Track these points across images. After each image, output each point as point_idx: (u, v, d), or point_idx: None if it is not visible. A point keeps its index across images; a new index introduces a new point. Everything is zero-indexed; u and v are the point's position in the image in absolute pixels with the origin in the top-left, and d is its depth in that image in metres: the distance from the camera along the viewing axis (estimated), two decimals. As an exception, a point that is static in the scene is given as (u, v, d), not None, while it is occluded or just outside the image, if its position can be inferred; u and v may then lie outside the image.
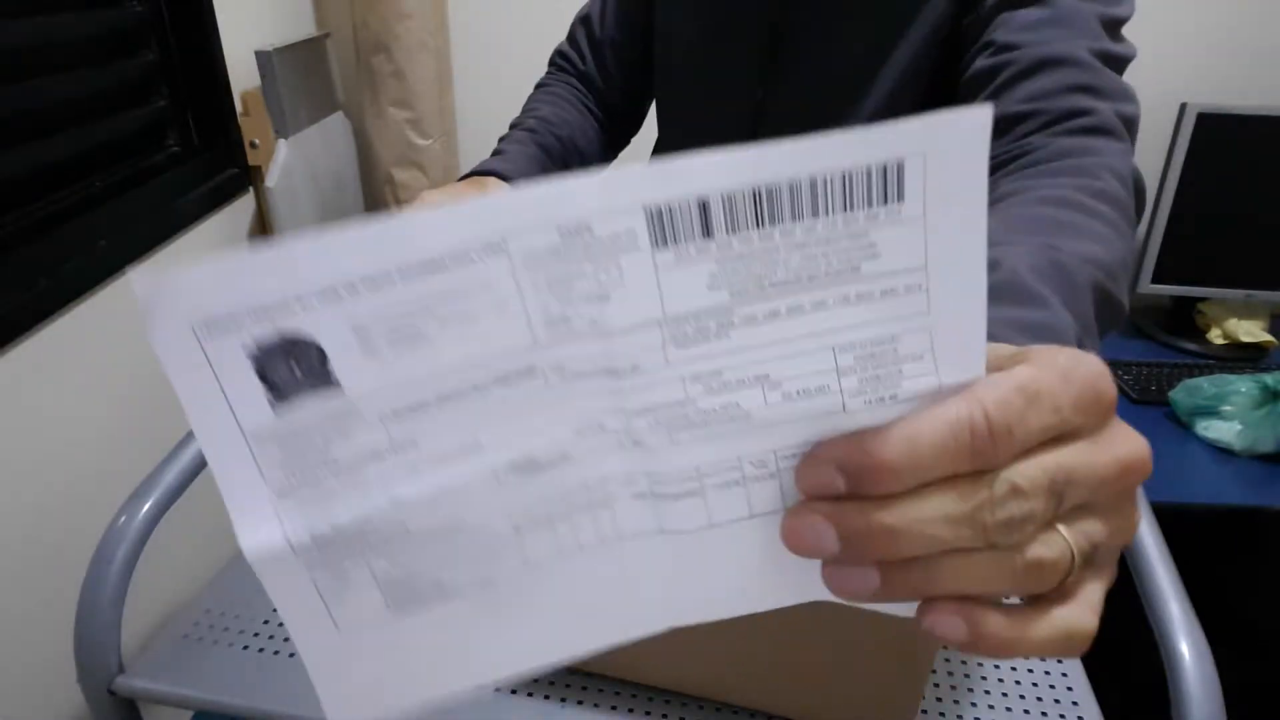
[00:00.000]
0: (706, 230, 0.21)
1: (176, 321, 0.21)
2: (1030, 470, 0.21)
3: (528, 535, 0.25)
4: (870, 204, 0.21)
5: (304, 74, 1.29)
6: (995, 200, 0.48)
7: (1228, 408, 1.18)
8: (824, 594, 0.24)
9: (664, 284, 0.22)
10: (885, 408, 0.23)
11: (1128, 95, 0.54)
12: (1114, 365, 1.36)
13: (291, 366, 0.22)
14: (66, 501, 0.93)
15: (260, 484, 0.23)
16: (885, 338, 0.22)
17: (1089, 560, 0.23)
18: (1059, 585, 0.23)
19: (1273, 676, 1.31)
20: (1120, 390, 1.32)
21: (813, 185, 0.21)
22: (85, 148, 0.99)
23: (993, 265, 0.41)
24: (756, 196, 0.21)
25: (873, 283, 0.22)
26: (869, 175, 0.21)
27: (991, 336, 0.23)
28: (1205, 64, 1.45)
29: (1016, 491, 0.21)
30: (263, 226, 1.30)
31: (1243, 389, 1.18)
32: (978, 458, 0.21)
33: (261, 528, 0.24)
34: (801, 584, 0.25)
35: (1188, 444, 1.20)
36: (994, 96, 0.54)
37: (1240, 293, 1.46)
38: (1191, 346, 1.47)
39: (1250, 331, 1.45)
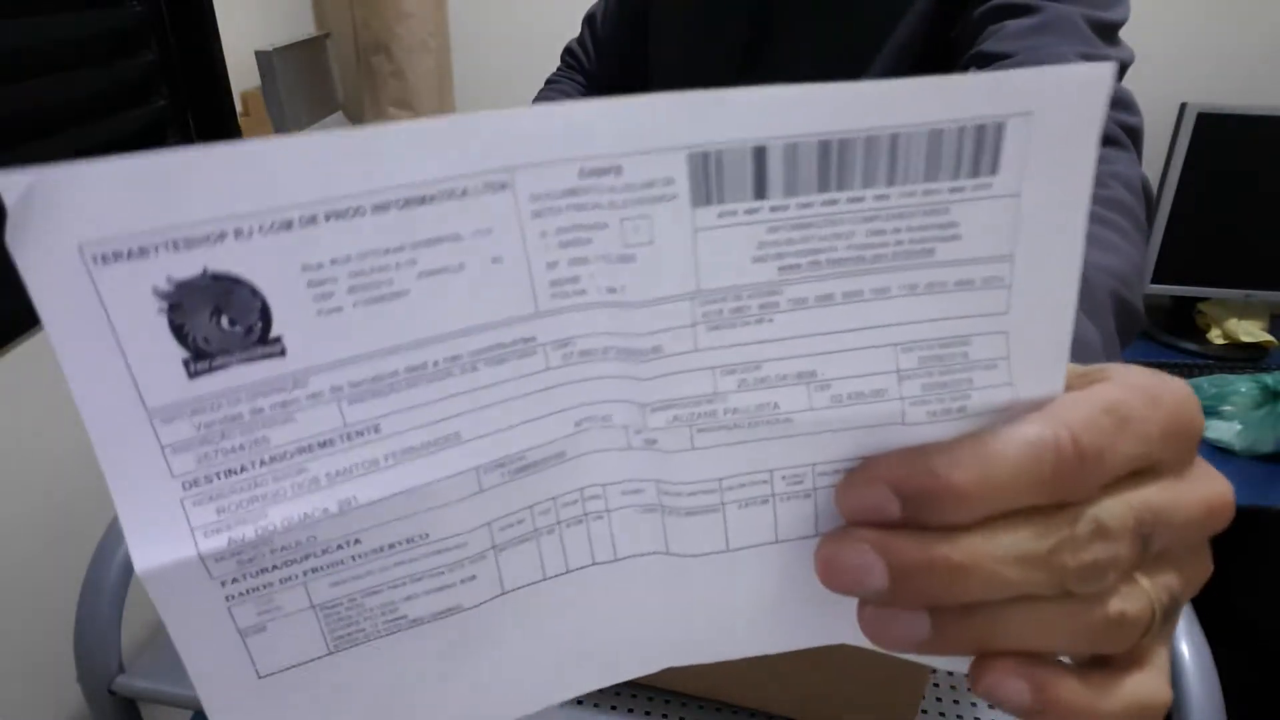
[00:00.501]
0: (760, 187, 0.17)
1: (58, 237, 0.16)
2: (1117, 508, 0.18)
3: (507, 552, 0.21)
4: (957, 173, 0.17)
5: (304, 74, 1.29)
6: None
7: (1228, 408, 1.18)
8: (855, 637, 0.20)
9: (701, 249, 0.18)
10: (951, 421, 0.19)
11: (1128, 104, 0.53)
12: (1114, 365, 1.36)
13: (219, 319, 0.16)
14: (66, 502, 0.93)
15: (164, 474, 0.17)
16: (956, 338, 0.19)
17: (1167, 617, 0.20)
18: (1134, 645, 0.19)
19: (1273, 676, 1.31)
20: (1120, 390, 1.32)
21: (894, 143, 0.17)
22: (85, 148, 0.99)
23: None
24: (825, 150, 0.17)
25: (948, 271, 0.18)
26: (961, 136, 0.17)
27: None
28: (1205, 64, 1.45)
29: (1103, 531, 0.18)
30: (263, 226, 1.30)
31: (1243, 389, 1.17)
32: (1060, 488, 0.18)
33: (163, 533, 0.18)
34: (828, 625, 0.22)
35: (1188, 444, 1.20)
36: None
37: (1240, 293, 1.46)
38: (1191, 346, 1.47)
39: (1250, 331, 1.44)
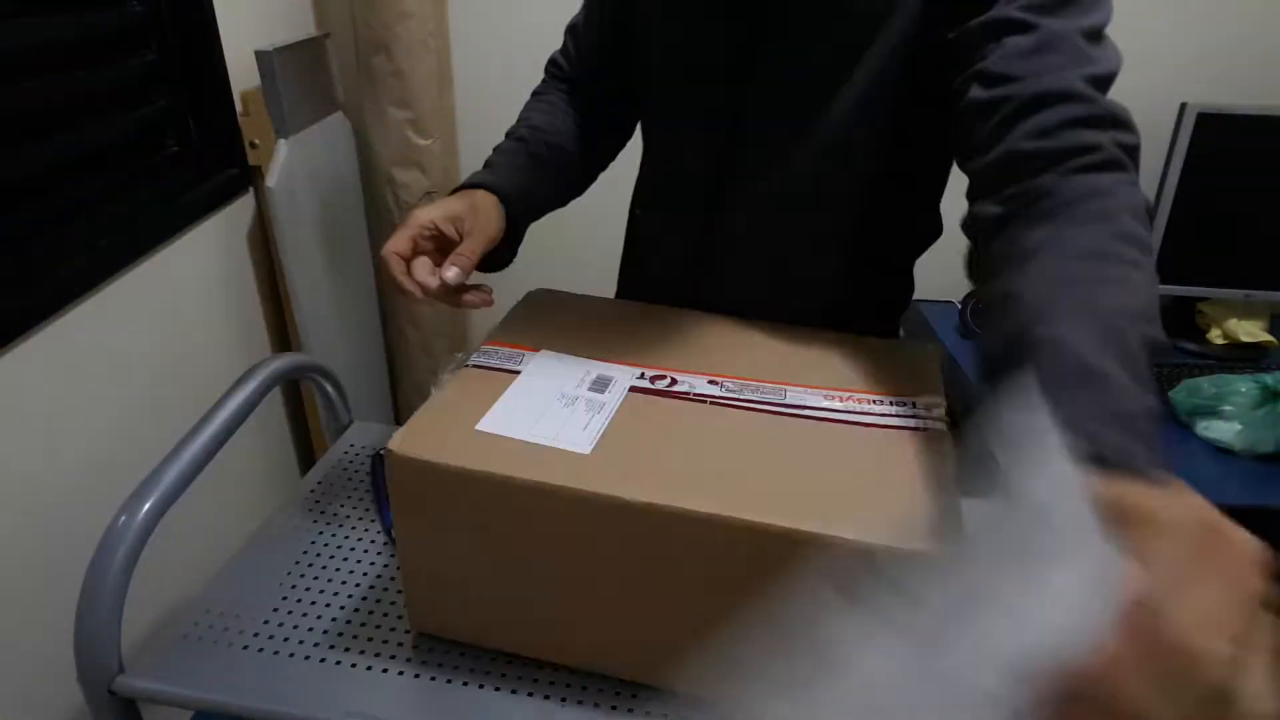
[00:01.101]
0: None
1: None
2: None
3: None
4: None
5: (304, 74, 1.29)
6: (1031, 251, 0.50)
7: (1228, 408, 1.18)
8: None
9: None
10: None
11: (1126, 123, 0.54)
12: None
13: None
14: (66, 501, 0.93)
15: None
16: None
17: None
18: None
19: (1273, 676, 1.31)
20: (1120, 390, 1.32)
21: None
22: (85, 148, 0.99)
23: (1057, 345, 0.43)
24: None
25: None
26: None
27: (1070, 422, 0.26)
28: (1205, 64, 1.45)
29: None
30: (262, 226, 1.30)
31: (1243, 389, 1.18)
32: None
33: None
34: None
35: (1188, 444, 1.20)
36: (998, 131, 0.55)
37: (1240, 293, 1.46)
38: (1191, 346, 1.47)
39: (1250, 331, 1.44)
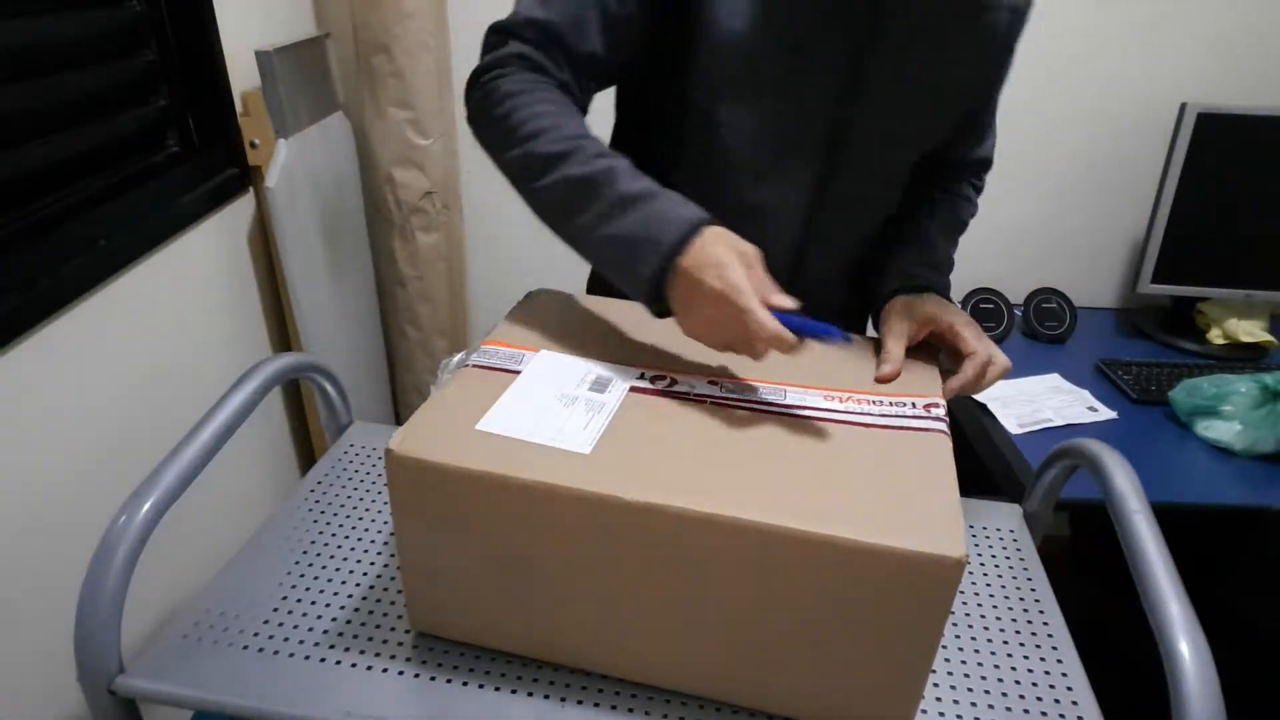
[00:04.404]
0: None
1: None
2: None
3: None
4: None
5: (304, 74, 1.29)
6: (934, 210, 0.91)
7: (1228, 408, 1.18)
8: None
9: None
10: None
11: (989, 163, 0.97)
12: (1114, 365, 1.37)
13: None
14: (66, 501, 0.93)
15: None
16: None
17: None
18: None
19: (1273, 676, 1.31)
20: (1120, 390, 1.32)
21: None
22: (85, 148, 0.99)
23: (930, 243, 0.87)
24: None
25: None
26: None
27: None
28: (1205, 64, 1.45)
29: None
30: (262, 227, 1.30)
31: (1243, 389, 1.18)
32: None
33: None
34: None
35: (1188, 444, 1.20)
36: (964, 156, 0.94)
37: (1240, 293, 1.46)
38: (1191, 346, 1.47)
39: (1250, 331, 1.45)
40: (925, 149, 0.86)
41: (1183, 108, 1.35)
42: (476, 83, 0.75)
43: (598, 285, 0.92)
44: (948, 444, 0.59)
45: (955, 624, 0.69)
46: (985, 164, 0.96)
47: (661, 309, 0.64)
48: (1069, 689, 0.62)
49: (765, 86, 0.75)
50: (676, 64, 0.76)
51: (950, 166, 0.93)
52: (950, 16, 0.76)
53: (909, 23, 0.74)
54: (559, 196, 0.67)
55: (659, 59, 0.77)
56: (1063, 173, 1.55)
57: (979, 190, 0.97)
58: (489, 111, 0.72)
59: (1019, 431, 1.21)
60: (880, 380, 0.66)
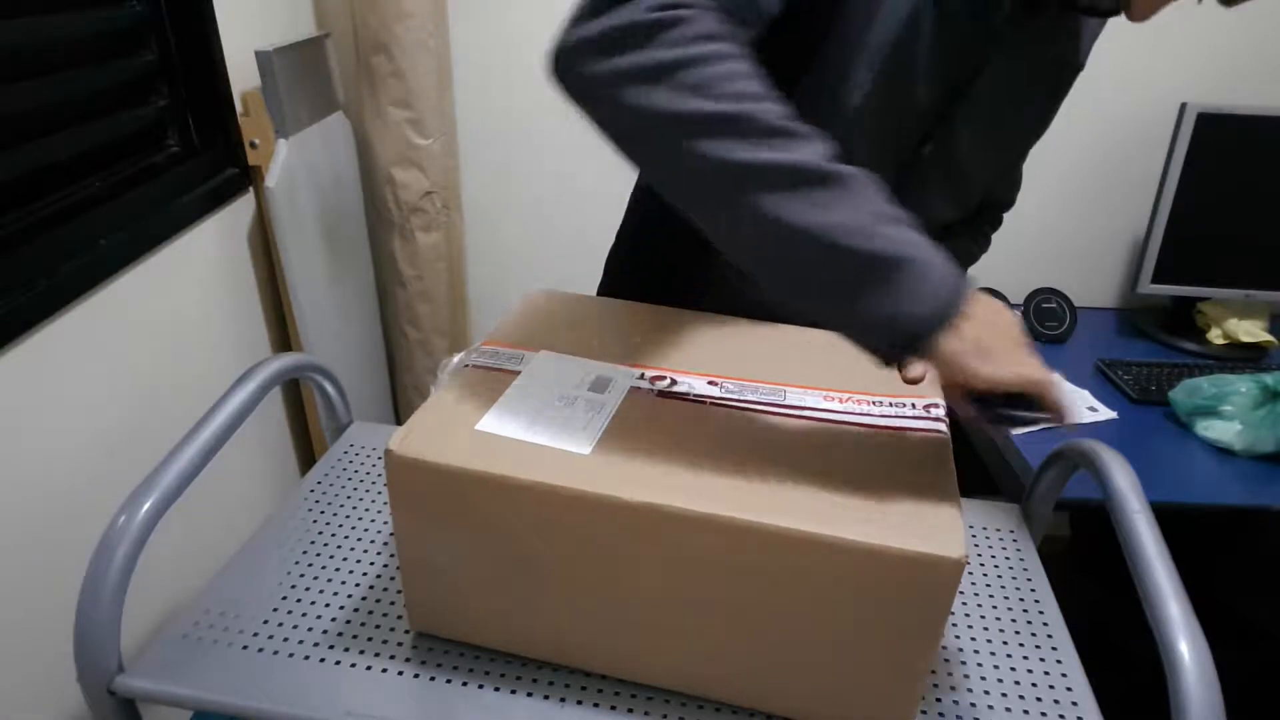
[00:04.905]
0: None
1: None
2: None
3: None
4: None
5: (304, 74, 1.29)
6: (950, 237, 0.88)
7: (1228, 408, 1.18)
8: None
9: None
10: None
11: (1000, 221, 1.03)
12: (1114, 365, 1.37)
13: None
14: (66, 501, 0.93)
15: None
16: None
17: None
18: None
19: (1273, 676, 1.31)
20: (1120, 390, 1.32)
21: None
22: (85, 148, 0.99)
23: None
24: None
25: None
26: None
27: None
28: (1205, 64, 1.45)
29: None
30: (262, 226, 1.30)
31: (1243, 389, 1.18)
32: None
33: None
34: None
35: (1187, 444, 1.20)
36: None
37: (1240, 293, 1.46)
38: (1191, 346, 1.47)
39: (1250, 331, 1.45)
40: (975, 202, 0.89)
41: (1183, 108, 1.35)
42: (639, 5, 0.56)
43: (616, 287, 0.90)
44: (948, 444, 0.59)
45: (955, 624, 0.69)
46: (1008, 206, 1.00)
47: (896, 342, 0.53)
48: (1069, 689, 0.62)
49: (867, 116, 0.72)
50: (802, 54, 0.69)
51: (978, 208, 0.94)
52: (1038, 78, 0.79)
53: (1007, 79, 0.75)
54: (778, 181, 0.52)
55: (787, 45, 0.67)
56: (1063, 173, 1.55)
57: (996, 228, 1.00)
58: (670, 43, 0.54)
59: (1019, 431, 1.21)
60: (908, 381, 0.54)
